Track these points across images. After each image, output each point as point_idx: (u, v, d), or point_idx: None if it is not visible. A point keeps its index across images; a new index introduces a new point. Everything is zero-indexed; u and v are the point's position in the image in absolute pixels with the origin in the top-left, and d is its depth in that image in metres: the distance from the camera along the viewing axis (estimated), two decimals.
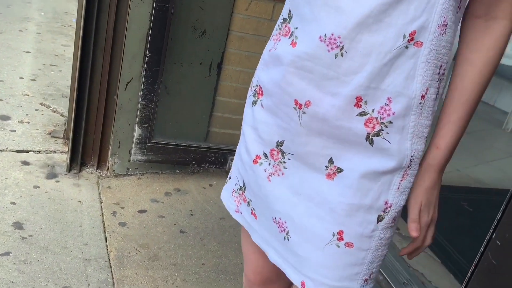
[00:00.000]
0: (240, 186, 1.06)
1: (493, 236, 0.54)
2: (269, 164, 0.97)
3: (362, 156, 0.88)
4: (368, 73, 0.82)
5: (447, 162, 0.91)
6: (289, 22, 0.91)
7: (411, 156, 0.88)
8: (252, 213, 1.05)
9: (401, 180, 0.89)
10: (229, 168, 2.58)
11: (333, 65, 0.83)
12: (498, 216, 0.57)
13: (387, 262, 2.11)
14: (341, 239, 0.91)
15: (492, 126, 4.46)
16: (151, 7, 2.19)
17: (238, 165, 1.06)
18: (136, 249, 2.00)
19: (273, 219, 0.99)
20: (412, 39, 0.81)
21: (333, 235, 0.91)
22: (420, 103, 0.85)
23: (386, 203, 0.90)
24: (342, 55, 0.82)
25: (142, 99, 2.31)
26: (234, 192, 1.10)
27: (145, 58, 2.25)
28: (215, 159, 2.56)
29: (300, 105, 0.88)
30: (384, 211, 0.90)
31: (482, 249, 0.57)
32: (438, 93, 0.89)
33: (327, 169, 0.91)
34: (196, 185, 2.55)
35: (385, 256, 0.97)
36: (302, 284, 0.96)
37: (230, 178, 1.12)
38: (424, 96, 0.85)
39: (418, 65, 0.82)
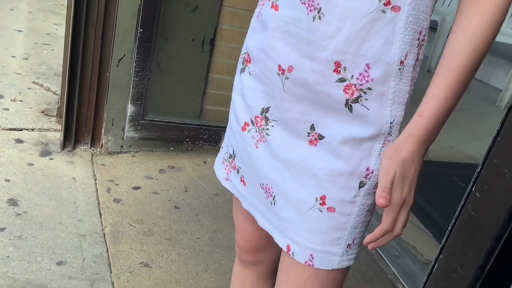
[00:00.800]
0: (230, 154, 1.08)
1: (473, 189, 0.56)
2: (255, 131, 0.99)
3: (342, 123, 0.88)
4: (345, 37, 0.82)
5: (431, 135, 0.83)
6: None
7: (391, 123, 0.87)
8: (241, 180, 1.06)
9: (382, 146, 0.89)
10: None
11: (311, 28, 0.84)
12: (478, 169, 0.59)
13: None
14: (323, 203, 0.92)
15: (485, 103, 4.47)
16: None
17: (229, 133, 1.08)
18: (131, 225, 2.02)
19: (260, 185, 1.00)
20: (388, 2, 0.80)
21: (316, 200, 0.92)
22: (399, 69, 0.84)
23: (367, 169, 0.90)
24: (319, 18, 0.83)
25: (134, 76, 2.30)
26: (224, 161, 1.11)
27: (137, 34, 2.24)
28: (208, 137, 2.57)
29: (284, 70, 0.89)
30: (366, 177, 0.90)
31: (462, 202, 0.58)
32: (417, 59, 0.88)
33: (309, 136, 0.92)
34: (190, 162, 2.56)
35: (369, 222, 0.97)
36: (288, 247, 0.98)
37: (222, 148, 1.13)
38: (403, 62, 0.84)
39: (396, 30, 0.82)
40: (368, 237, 0.86)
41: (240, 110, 1.01)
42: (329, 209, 0.92)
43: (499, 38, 4.33)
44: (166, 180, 2.37)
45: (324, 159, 0.90)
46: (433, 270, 0.60)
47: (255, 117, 0.98)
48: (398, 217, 0.84)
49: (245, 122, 1.00)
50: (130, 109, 2.37)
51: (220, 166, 1.13)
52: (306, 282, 0.98)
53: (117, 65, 2.31)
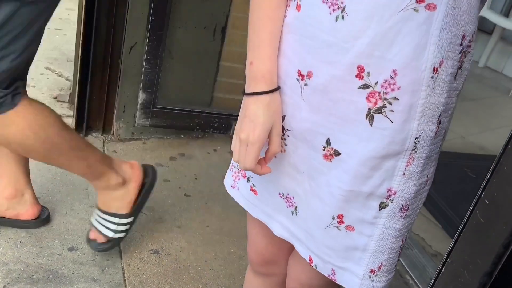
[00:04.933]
0: None
1: (482, 195, 0.56)
2: None
3: (359, 139, 0.81)
4: (370, 39, 0.75)
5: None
6: None
7: (416, 138, 0.79)
8: (251, 189, 1.02)
9: (407, 165, 0.81)
10: (233, 133, 2.59)
11: (333, 29, 0.78)
12: (488, 175, 0.59)
13: None
14: (341, 222, 0.88)
15: (498, 93, 4.42)
16: None
17: None
18: (141, 212, 2.04)
19: (279, 194, 0.97)
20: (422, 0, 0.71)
21: (333, 218, 0.88)
22: (432, 77, 0.75)
23: (389, 190, 0.83)
24: (342, 17, 0.76)
25: (146, 64, 2.31)
26: (232, 167, 1.08)
27: (149, 21, 2.24)
28: (219, 125, 2.58)
29: (303, 76, 0.84)
30: (387, 198, 0.84)
31: (471, 208, 0.58)
32: (460, 68, 0.78)
33: (324, 150, 0.86)
34: (201, 150, 2.57)
35: (400, 248, 0.90)
36: (310, 258, 0.95)
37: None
38: (437, 69, 0.75)
39: (431, 32, 0.73)
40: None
41: None
42: (347, 227, 0.88)
43: None
44: (176, 167, 2.38)
45: (340, 178, 0.85)
46: (440, 274, 0.61)
47: None
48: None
49: None
50: (141, 96, 2.38)
51: (228, 172, 1.09)
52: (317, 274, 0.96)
53: (129, 53, 2.31)
